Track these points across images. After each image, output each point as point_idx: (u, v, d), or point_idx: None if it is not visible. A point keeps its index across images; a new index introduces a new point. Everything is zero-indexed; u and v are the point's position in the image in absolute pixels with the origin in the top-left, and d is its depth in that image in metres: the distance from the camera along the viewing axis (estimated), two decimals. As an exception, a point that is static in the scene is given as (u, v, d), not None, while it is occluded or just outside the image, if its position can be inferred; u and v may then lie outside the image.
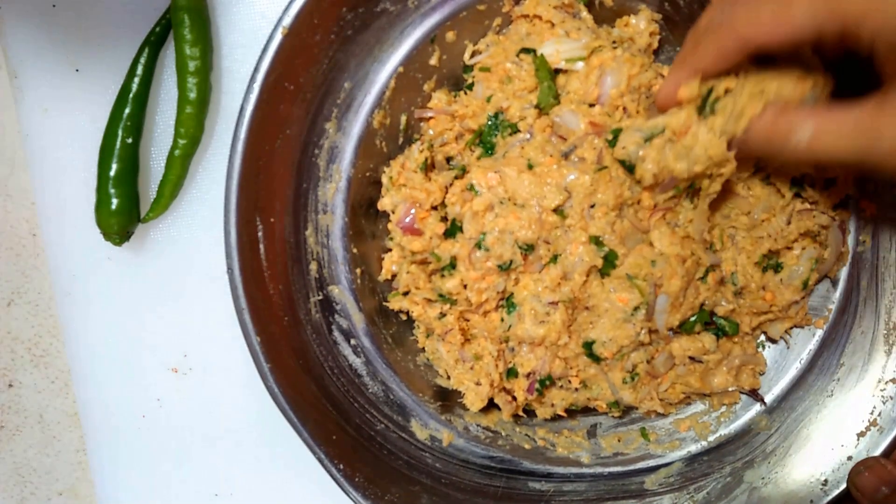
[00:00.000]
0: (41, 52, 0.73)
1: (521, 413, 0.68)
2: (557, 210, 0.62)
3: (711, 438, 0.68)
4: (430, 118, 0.67)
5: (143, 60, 0.70)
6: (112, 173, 0.69)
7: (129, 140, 0.70)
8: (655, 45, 0.66)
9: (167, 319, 0.75)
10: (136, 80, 0.70)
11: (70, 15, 0.72)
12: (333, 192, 0.65)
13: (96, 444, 0.76)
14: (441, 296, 0.64)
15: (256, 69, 0.59)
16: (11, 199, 0.77)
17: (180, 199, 0.73)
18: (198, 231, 0.74)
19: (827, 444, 0.64)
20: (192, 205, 0.73)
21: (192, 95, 0.68)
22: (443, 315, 0.66)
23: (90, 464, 0.77)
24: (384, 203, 0.66)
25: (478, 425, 0.68)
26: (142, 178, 0.72)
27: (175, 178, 0.71)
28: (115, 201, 0.69)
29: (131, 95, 0.70)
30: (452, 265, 0.63)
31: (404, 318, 0.69)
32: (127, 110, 0.70)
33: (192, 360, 0.75)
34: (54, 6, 0.72)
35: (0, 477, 0.79)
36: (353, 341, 0.66)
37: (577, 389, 0.66)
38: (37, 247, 0.77)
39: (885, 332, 0.64)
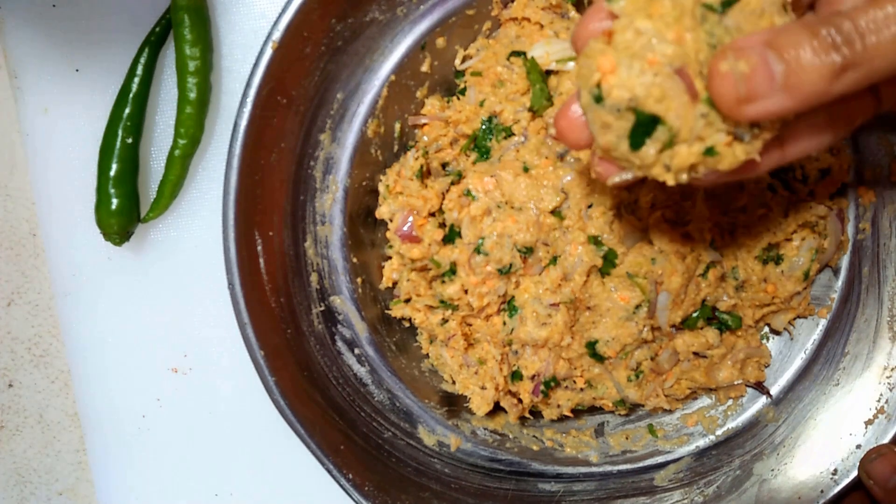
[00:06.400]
0: (41, 52, 0.72)
1: (527, 415, 0.68)
2: (555, 212, 0.62)
3: (719, 432, 0.68)
4: (424, 125, 0.67)
5: (143, 60, 0.70)
6: (112, 173, 0.69)
7: (129, 140, 0.70)
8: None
9: (167, 319, 0.74)
10: (136, 80, 0.70)
11: (70, 15, 0.72)
12: (331, 203, 0.65)
13: (96, 444, 0.76)
14: (442, 302, 0.64)
15: (248, 84, 0.59)
16: (11, 199, 0.76)
17: (180, 199, 0.73)
18: (198, 231, 0.74)
19: (835, 433, 0.64)
20: (192, 205, 0.73)
21: (192, 95, 0.68)
22: (445, 321, 0.66)
23: (90, 464, 0.76)
24: (382, 212, 0.66)
25: (485, 429, 0.68)
26: (142, 178, 0.72)
27: (175, 178, 0.70)
28: (115, 201, 0.69)
29: (131, 95, 0.70)
30: (452, 271, 0.63)
31: (407, 325, 0.69)
32: (127, 110, 0.70)
33: (192, 360, 0.74)
34: (54, 6, 0.72)
35: (0, 477, 0.79)
36: (356, 350, 0.66)
37: (582, 389, 0.66)
38: (37, 247, 0.77)
39: (889, 318, 0.64)
